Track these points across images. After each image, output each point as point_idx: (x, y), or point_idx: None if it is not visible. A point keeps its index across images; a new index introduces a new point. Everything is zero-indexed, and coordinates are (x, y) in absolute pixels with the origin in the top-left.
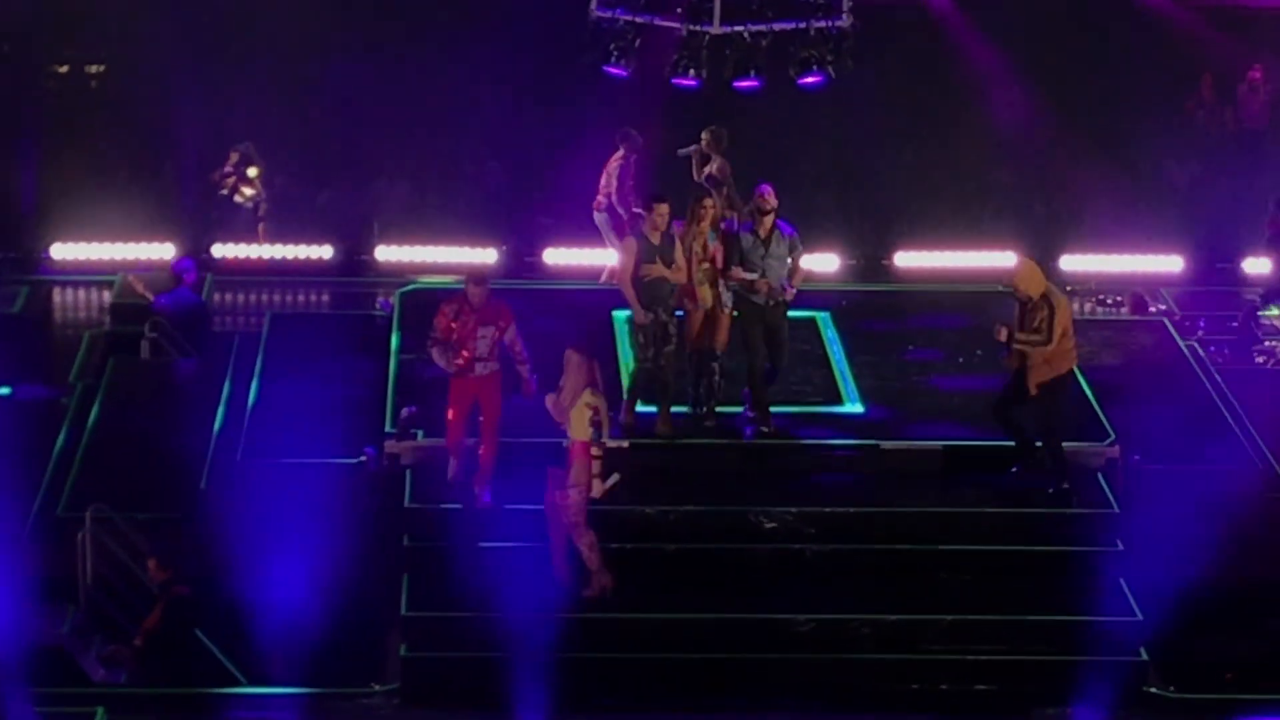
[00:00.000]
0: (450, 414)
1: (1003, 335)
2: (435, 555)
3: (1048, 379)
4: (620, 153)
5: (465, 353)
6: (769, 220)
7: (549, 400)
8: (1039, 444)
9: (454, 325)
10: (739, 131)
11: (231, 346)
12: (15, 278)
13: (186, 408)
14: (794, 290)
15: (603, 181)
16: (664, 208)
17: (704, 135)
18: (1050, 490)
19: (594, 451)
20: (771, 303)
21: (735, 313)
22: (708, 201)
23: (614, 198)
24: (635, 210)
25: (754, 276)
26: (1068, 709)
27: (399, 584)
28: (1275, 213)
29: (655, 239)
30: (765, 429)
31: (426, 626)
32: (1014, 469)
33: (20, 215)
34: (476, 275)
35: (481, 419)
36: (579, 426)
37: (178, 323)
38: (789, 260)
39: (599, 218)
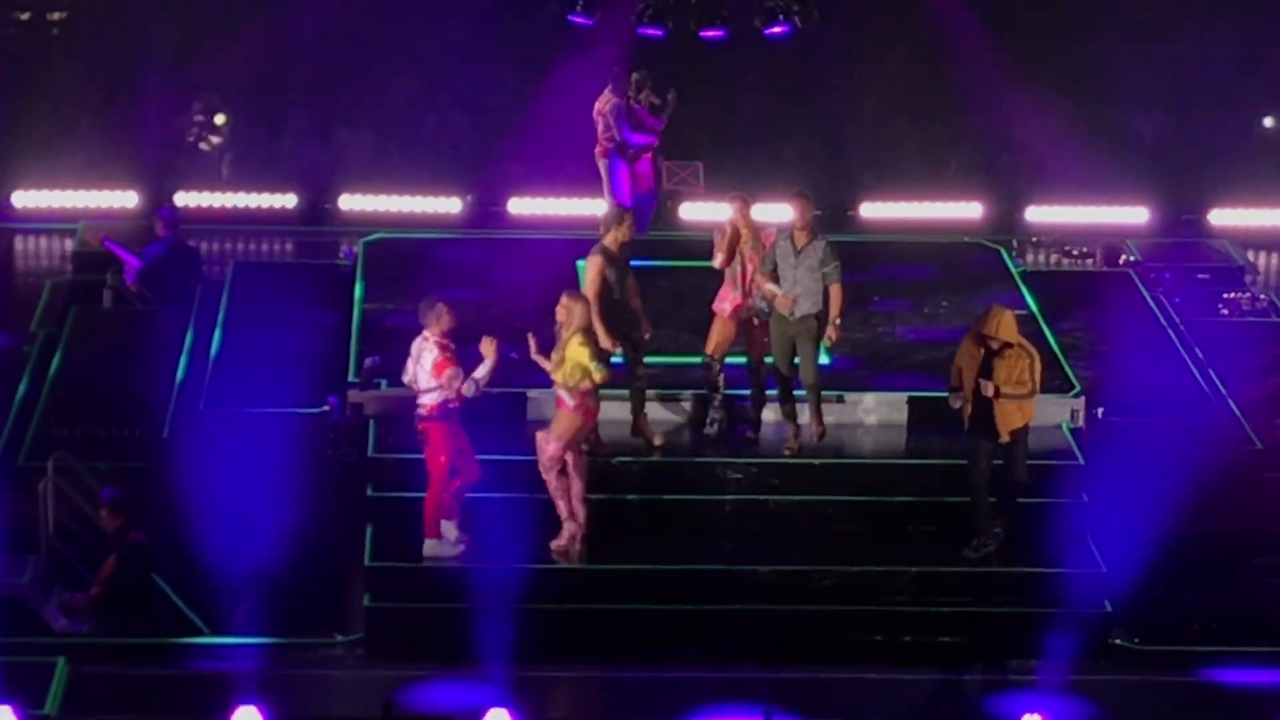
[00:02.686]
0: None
1: (990, 390)
2: (399, 505)
3: (1020, 426)
4: (607, 94)
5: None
6: (803, 228)
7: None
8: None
9: (450, 359)
10: (705, 82)
11: (195, 295)
12: None
13: (149, 356)
14: (837, 332)
15: (599, 127)
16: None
17: (633, 77)
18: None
19: (597, 377)
20: (798, 317)
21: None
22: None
23: (613, 142)
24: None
25: (778, 291)
26: (1032, 661)
27: (362, 534)
28: None
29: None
30: (789, 449)
31: (390, 577)
32: (970, 550)
33: None
34: (453, 307)
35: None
36: (569, 371)
37: (172, 272)
38: (822, 274)
39: (601, 164)
